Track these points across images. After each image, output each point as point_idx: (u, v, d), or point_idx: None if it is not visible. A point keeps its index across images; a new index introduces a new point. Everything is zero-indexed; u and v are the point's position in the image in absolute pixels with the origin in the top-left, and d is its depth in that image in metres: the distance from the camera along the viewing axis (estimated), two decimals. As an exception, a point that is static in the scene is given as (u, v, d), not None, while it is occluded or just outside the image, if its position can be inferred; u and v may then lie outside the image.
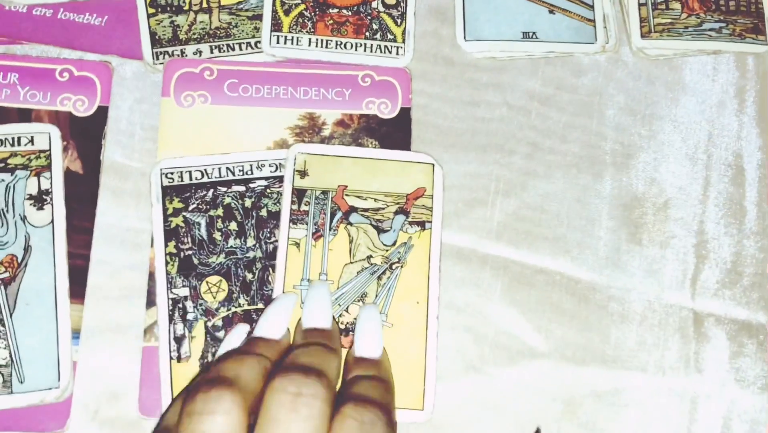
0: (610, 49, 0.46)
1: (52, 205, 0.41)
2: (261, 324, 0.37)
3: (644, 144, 0.45)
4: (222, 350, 0.37)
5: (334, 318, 0.39)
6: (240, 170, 0.42)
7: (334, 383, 0.34)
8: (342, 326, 0.40)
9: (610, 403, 0.41)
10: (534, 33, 0.46)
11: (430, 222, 0.42)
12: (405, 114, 0.44)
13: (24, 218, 0.40)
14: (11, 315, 0.39)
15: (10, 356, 0.38)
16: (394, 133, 0.44)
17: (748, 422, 0.41)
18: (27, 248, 0.40)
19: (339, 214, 0.41)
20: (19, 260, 0.40)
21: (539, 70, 0.46)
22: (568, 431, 0.40)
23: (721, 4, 0.47)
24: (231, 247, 0.41)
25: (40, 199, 0.41)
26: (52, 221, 0.40)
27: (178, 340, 0.39)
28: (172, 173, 0.41)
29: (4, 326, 0.39)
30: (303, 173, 0.42)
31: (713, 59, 0.47)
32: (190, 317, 0.40)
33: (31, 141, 0.41)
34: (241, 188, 0.42)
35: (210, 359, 0.39)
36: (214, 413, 0.29)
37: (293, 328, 0.39)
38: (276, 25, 0.45)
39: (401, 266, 0.41)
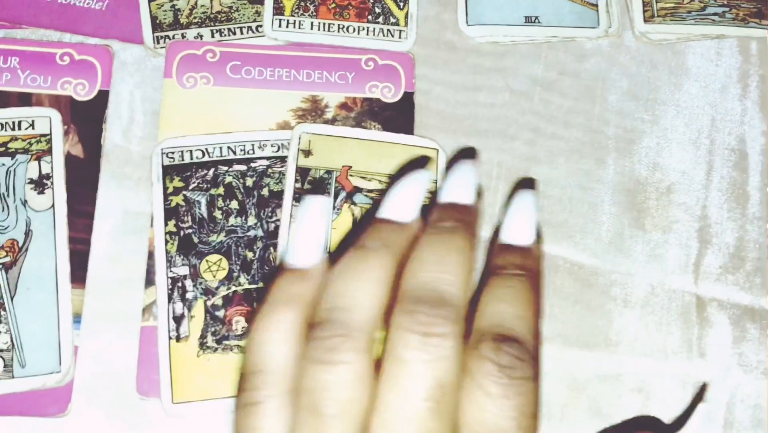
0: (612, 34, 0.46)
1: (52, 189, 0.40)
2: (387, 204, 0.32)
3: (647, 129, 0.45)
4: (302, 230, 0.31)
5: (479, 193, 0.33)
6: (241, 150, 0.42)
7: (467, 300, 0.29)
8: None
9: (613, 387, 0.41)
10: (536, 17, 0.46)
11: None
12: (408, 98, 0.44)
13: (25, 203, 0.40)
14: (12, 300, 0.39)
15: (11, 340, 0.38)
16: (397, 117, 0.44)
17: (751, 407, 0.41)
18: (28, 233, 0.40)
19: (343, 194, 0.41)
20: (20, 245, 0.39)
21: (542, 54, 0.46)
22: (571, 414, 0.40)
23: (724, -11, 0.47)
24: (231, 225, 0.41)
25: (40, 183, 0.40)
26: (53, 206, 0.40)
27: (177, 319, 0.39)
28: (173, 153, 0.41)
29: (5, 310, 0.39)
30: (307, 153, 0.41)
31: (716, 44, 0.47)
32: (189, 296, 0.40)
33: (32, 125, 0.41)
34: (243, 168, 0.41)
35: (209, 338, 0.39)
36: (338, 363, 0.27)
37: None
38: (278, 9, 0.44)
39: (403, 250, 0.41)
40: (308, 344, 0.27)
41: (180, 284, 0.40)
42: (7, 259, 0.39)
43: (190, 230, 0.40)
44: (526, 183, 0.41)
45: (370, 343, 0.28)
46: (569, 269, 0.42)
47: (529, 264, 0.31)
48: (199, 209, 0.41)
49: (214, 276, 0.40)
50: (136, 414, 0.39)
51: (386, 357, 0.27)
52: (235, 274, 0.40)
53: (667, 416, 0.41)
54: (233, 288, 0.40)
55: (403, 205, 0.31)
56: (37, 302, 0.39)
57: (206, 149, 0.41)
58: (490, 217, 0.43)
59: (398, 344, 0.27)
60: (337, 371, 0.26)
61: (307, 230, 0.31)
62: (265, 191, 0.41)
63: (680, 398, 0.41)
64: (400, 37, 0.45)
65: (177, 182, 0.41)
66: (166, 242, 0.40)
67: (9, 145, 0.41)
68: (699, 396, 0.40)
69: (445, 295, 0.28)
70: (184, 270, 0.40)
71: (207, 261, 0.40)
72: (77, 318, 0.39)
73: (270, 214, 0.41)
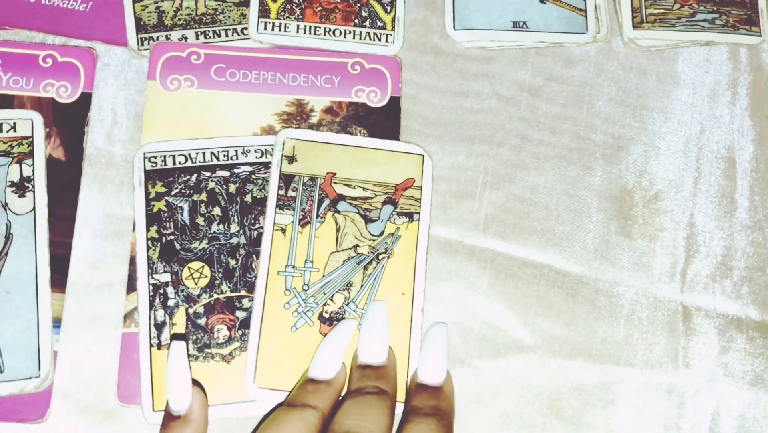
0: (601, 40, 0.45)
1: (33, 192, 0.40)
2: (314, 362, 0.37)
3: (635, 136, 0.44)
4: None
5: (390, 349, 0.39)
6: (225, 155, 0.41)
7: None
8: (326, 315, 0.39)
9: (597, 397, 0.41)
10: (524, 23, 0.45)
11: (419, 214, 0.41)
12: (394, 103, 0.44)
13: (5, 206, 0.40)
14: (-8, 304, 0.38)
15: (-9, 344, 0.38)
16: (383, 122, 0.43)
17: (736, 418, 0.41)
18: (8, 236, 0.39)
19: (327, 202, 0.41)
20: (0, 248, 0.39)
21: (529, 60, 0.45)
22: (554, 425, 0.40)
23: (714, -5, 0.47)
24: (214, 232, 0.40)
25: (21, 186, 0.40)
26: (34, 209, 0.40)
27: (159, 327, 0.39)
28: (155, 157, 0.41)
29: (-16, 314, 0.38)
30: (291, 159, 0.41)
31: (706, 50, 0.46)
32: (171, 303, 0.39)
33: (14, 128, 0.41)
34: (226, 173, 0.41)
35: (190, 346, 0.39)
36: None
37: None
38: (264, 11, 0.44)
39: (388, 257, 0.40)
40: None
41: (162, 291, 0.39)
42: (-13, 262, 0.39)
43: (172, 237, 0.40)
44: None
45: None
46: (554, 277, 0.42)
47: (442, 405, 0.36)
48: (182, 216, 0.40)
49: (196, 283, 0.40)
50: (116, 421, 0.39)
51: None
52: (218, 281, 0.40)
53: (652, 427, 0.41)
54: (215, 296, 0.40)
55: (326, 365, 0.37)
56: (17, 306, 0.38)
57: (189, 154, 0.41)
58: (475, 225, 0.42)
59: None
60: None
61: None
62: (248, 198, 0.41)
63: (665, 409, 0.41)
64: (386, 41, 0.44)
65: (159, 187, 0.41)
66: (148, 248, 0.40)
67: (-10, 148, 0.40)
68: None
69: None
70: (166, 277, 0.40)
71: (189, 268, 0.40)
72: (57, 323, 0.39)
73: (253, 221, 0.41)
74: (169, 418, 0.35)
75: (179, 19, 0.44)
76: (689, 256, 0.43)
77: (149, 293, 0.39)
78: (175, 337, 0.38)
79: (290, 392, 0.37)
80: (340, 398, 0.37)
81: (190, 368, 0.38)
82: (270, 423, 0.34)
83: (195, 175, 0.41)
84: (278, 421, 0.34)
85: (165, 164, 0.41)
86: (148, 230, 0.40)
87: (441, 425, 0.34)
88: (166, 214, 0.40)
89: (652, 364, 0.41)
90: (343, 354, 0.37)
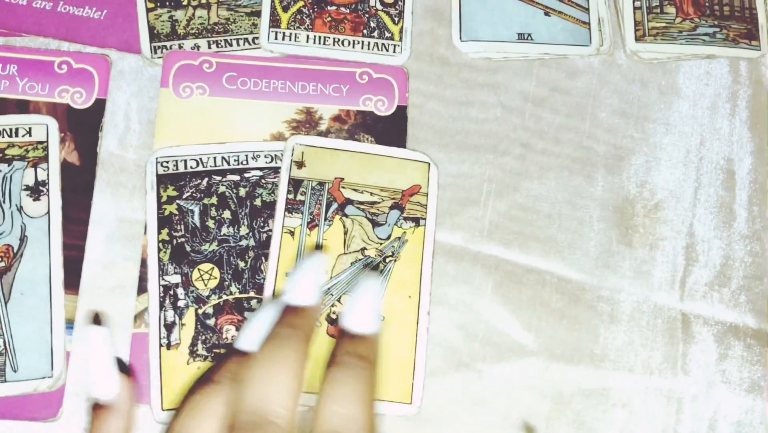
0: (604, 52, 0.46)
1: (48, 196, 0.41)
2: (288, 289, 0.35)
3: (636, 147, 0.45)
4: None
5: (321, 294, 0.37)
6: (235, 160, 0.42)
7: (293, 412, 0.32)
8: (334, 317, 0.40)
9: (598, 402, 0.41)
10: (529, 34, 0.46)
11: (425, 219, 0.42)
12: (401, 112, 0.44)
13: (20, 209, 0.40)
14: (6, 304, 0.39)
15: (4, 345, 0.39)
16: (390, 130, 0.44)
17: (733, 424, 0.42)
18: (23, 239, 0.40)
19: (335, 206, 0.42)
20: (15, 250, 0.40)
21: (534, 71, 0.46)
22: (556, 428, 0.41)
23: (715, 9, 0.48)
24: (224, 235, 0.41)
25: (36, 190, 0.41)
26: (48, 212, 0.41)
27: (168, 327, 0.40)
28: (167, 162, 0.42)
29: (-2, 314, 0.39)
30: (300, 164, 0.42)
31: (707, 63, 0.47)
32: (180, 304, 0.40)
33: (29, 132, 0.42)
34: (236, 178, 0.42)
35: (199, 346, 0.40)
36: None
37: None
38: (274, 21, 0.45)
39: (394, 260, 0.41)
40: None
41: (172, 292, 0.40)
42: (2, 264, 0.40)
43: (182, 239, 0.41)
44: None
45: (291, 426, 0.31)
46: (557, 283, 0.43)
47: (365, 352, 0.33)
48: (192, 218, 0.41)
49: (206, 285, 0.41)
50: (126, 420, 0.39)
51: None
52: (227, 283, 0.41)
53: (651, 431, 0.41)
54: (224, 297, 0.40)
55: (306, 290, 0.34)
56: (31, 307, 0.39)
57: (200, 159, 0.42)
58: (480, 232, 0.43)
59: None
60: None
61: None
62: (257, 202, 0.42)
63: (664, 414, 0.42)
64: (394, 52, 0.45)
65: (171, 191, 0.41)
66: (159, 250, 0.41)
67: (6, 152, 0.41)
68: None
69: (270, 416, 0.31)
70: (176, 278, 0.40)
71: (199, 270, 0.41)
72: (70, 324, 0.40)
73: (262, 224, 0.42)
74: (96, 407, 0.34)
75: (192, 29, 0.45)
76: (689, 265, 0.44)
77: (160, 294, 0.40)
78: (96, 321, 0.39)
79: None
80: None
81: (115, 356, 0.37)
82: (261, 369, 0.32)
83: (206, 179, 0.42)
84: (269, 364, 0.32)
85: (177, 168, 0.42)
86: (159, 233, 0.41)
87: (359, 380, 0.33)
88: (177, 218, 0.41)
89: (652, 370, 0.42)
90: (320, 283, 0.36)
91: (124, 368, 0.38)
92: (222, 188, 0.42)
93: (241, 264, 0.41)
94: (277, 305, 0.35)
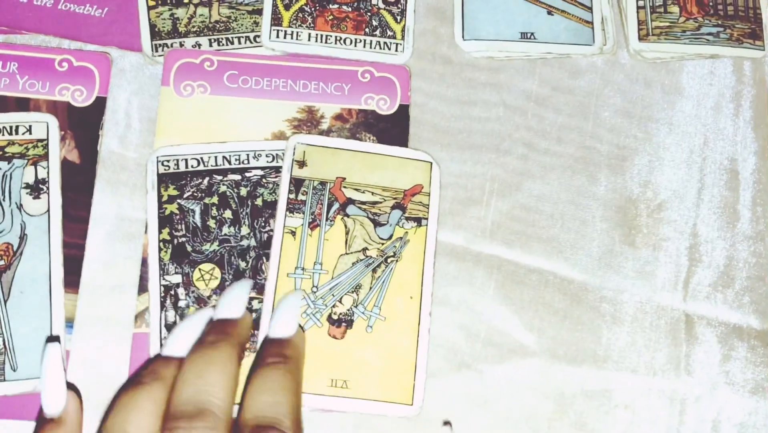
0: (607, 52, 0.46)
1: (48, 194, 0.41)
2: (219, 305, 0.38)
3: (639, 146, 0.45)
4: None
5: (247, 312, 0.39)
6: (236, 159, 0.42)
7: (229, 403, 0.33)
8: (335, 317, 0.40)
9: (600, 403, 0.41)
10: (532, 34, 0.46)
11: (426, 219, 0.42)
12: (403, 111, 0.44)
13: (20, 207, 0.40)
14: (5, 303, 0.39)
15: (4, 343, 0.38)
16: (392, 129, 0.44)
17: (737, 426, 0.42)
18: (23, 237, 0.40)
19: (336, 206, 0.42)
20: (15, 249, 0.40)
21: (536, 70, 0.46)
22: (558, 429, 0.41)
23: (719, 9, 0.47)
24: (225, 235, 0.41)
25: (36, 188, 0.41)
26: (48, 210, 0.40)
27: (169, 327, 0.39)
28: (168, 161, 0.42)
29: (-2, 313, 0.39)
30: (302, 163, 0.42)
31: (710, 63, 0.47)
32: (181, 304, 0.40)
33: (29, 130, 0.42)
34: (237, 177, 0.42)
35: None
36: None
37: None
38: (276, 20, 0.45)
39: (396, 261, 0.41)
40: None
41: (173, 292, 0.40)
42: (2, 262, 0.39)
43: (183, 239, 0.41)
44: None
45: (226, 424, 0.32)
46: (559, 284, 0.43)
47: (288, 352, 0.36)
48: (193, 218, 0.41)
49: (207, 285, 0.40)
50: (125, 420, 0.39)
51: None
52: (228, 283, 0.40)
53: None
54: (225, 297, 0.40)
55: (233, 304, 0.38)
56: (30, 306, 0.39)
57: (201, 158, 0.42)
58: (482, 231, 0.43)
59: None
60: None
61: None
62: (258, 201, 0.42)
63: (667, 415, 0.41)
64: (396, 50, 0.45)
65: (172, 190, 0.41)
66: (160, 249, 0.40)
67: (6, 150, 0.41)
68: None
69: (205, 405, 0.32)
70: (177, 278, 0.40)
71: (200, 270, 0.41)
72: (70, 323, 0.40)
73: (263, 224, 0.41)
74: (43, 421, 0.35)
75: (193, 27, 0.45)
76: (692, 265, 0.44)
77: (160, 294, 0.40)
78: (50, 339, 0.39)
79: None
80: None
81: (65, 370, 0.38)
82: (196, 369, 0.34)
83: (207, 178, 0.42)
84: (205, 364, 0.34)
85: (178, 168, 0.42)
86: (160, 232, 0.41)
87: (285, 373, 0.35)
88: (178, 217, 0.41)
89: (655, 371, 0.42)
90: (247, 299, 0.38)
91: (73, 388, 0.38)
92: (223, 188, 0.42)
93: (242, 264, 0.41)
94: (202, 315, 0.38)
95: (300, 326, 0.39)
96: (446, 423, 0.40)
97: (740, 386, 0.42)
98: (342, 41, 0.45)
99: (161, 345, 0.39)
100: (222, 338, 0.36)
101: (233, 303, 0.38)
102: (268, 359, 0.36)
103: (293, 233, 0.41)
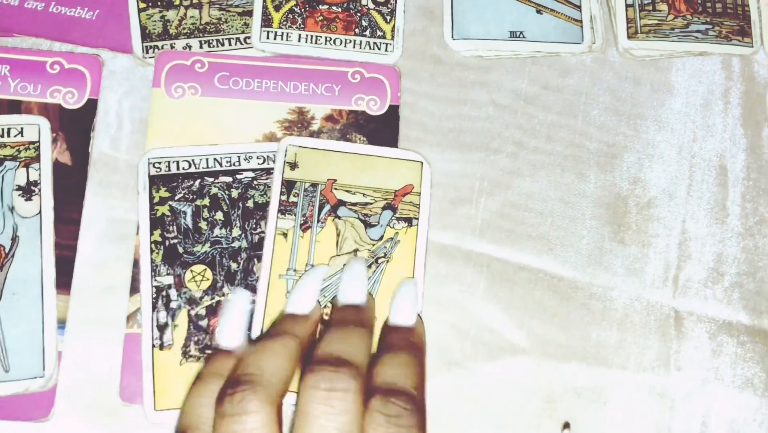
0: (596, 50, 0.46)
1: (40, 196, 0.41)
2: (290, 300, 0.38)
3: (629, 144, 0.45)
4: (223, 321, 0.38)
5: (369, 293, 0.40)
6: (227, 161, 0.42)
7: (365, 367, 0.34)
8: (326, 318, 0.40)
9: (590, 400, 0.41)
10: (521, 32, 0.46)
11: (417, 219, 0.42)
12: (393, 111, 0.44)
13: (12, 209, 0.40)
14: (-3, 305, 0.39)
15: (-4, 345, 0.39)
16: (382, 129, 0.44)
17: (726, 421, 0.42)
18: (14, 238, 0.40)
19: (327, 207, 0.42)
20: (7, 250, 0.40)
21: (526, 69, 0.46)
22: (548, 427, 0.41)
23: (707, 6, 0.48)
24: (216, 236, 0.41)
25: (28, 190, 0.41)
26: (40, 212, 0.41)
27: (161, 328, 0.40)
28: (159, 163, 0.42)
29: (-10, 315, 0.39)
30: (293, 165, 0.42)
31: (699, 60, 0.47)
32: (173, 305, 0.40)
33: (21, 132, 0.42)
34: (228, 179, 0.42)
35: (192, 347, 0.40)
36: (243, 414, 0.31)
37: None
38: (266, 21, 0.45)
39: (387, 261, 0.41)
40: (219, 401, 0.32)
41: (164, 293, 0.40)
42: (-6, 264, 0.40)
43: (175, 240, 0.41)
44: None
45: (276, 397, 0.32)
46: (549, 281, 0.43)
47: (413, 340, 0.37)
48: (185, 220, 0.41)
49: (198, 286, 0.41)
50: (118, 420, 0.39)
51: (296, 413, 0.32)
52: (219, 284, 0.41)
53: (644, 429, 0.41)
54: (217, 298, 0.40)
55: (303, 300, 0.38)
56: (22, 307, 0.39)
57: (193, 160, 0.42)
58: (472, 230, 0.43)
59: (305, 400, 0.31)
60: (243, 420, 0.31)
61: (232, 319, 0.37)
62: (250, 203, 0.42)
63: (657, 411, 0.42)
64: (386, 51, 0.45)
65: (163, 192, 0.41)
66: (152, 251, 0.41)
67: (-2, 152, 0.41)
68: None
69: (347, 357, 0.33)
70: (169, 279, 0.40)
71: (192, 271, 0.41)
72: (62, 324, 0.40)
73: (254, 226, 0.42)
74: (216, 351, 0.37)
75: (184, 28, 0.45)
76: (681, 262, 0.44)
77: (152, 295, 0.40)
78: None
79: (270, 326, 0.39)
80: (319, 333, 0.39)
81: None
82: (254, 350, 0.35)
83: (198, 180, 0.42)
84: (262, 348, 0.35)
85: (169, 170, 0.42)
86: (151, 234, 0.41)
87: (412, 356, 0.36)
88: (169, 219, 0.41)
89: (645, 367, 0.42)
90: (318, 292, 0.39)
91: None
92: (214, 190, 0.42)
93: (234, 266, 0.41)
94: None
95: (418, 315, 0.40)
96: (566, 426, 0.41)
97: (730, 381, 0.42)
98: (332, 42, 0.45)
99: (162, 345, 0.40)
100: (285, 334, 0.36)
101: (305, 299, 0.39)
102: (396, 344, 0.37)
103: (285, 235, 0.41)
